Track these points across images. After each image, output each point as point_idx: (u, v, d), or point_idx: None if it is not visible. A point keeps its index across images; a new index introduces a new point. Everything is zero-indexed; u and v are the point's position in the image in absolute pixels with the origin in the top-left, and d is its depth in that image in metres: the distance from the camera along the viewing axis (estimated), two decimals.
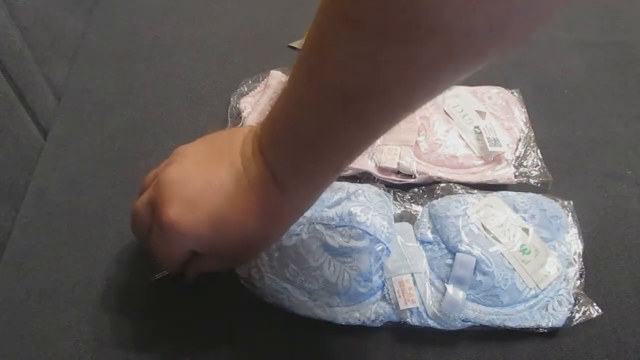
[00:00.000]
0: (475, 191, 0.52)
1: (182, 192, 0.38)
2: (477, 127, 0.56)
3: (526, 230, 0.48)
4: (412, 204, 0.52)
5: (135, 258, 0.50)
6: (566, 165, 0.56)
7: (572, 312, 0.45)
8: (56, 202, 0.54)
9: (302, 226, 0.48)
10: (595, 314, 0.45)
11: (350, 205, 0.48)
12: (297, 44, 0.67)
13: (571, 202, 0.52)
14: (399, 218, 0.51)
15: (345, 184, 0.51)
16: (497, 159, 0.54)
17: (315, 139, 0.34)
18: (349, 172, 0.54)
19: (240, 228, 0.38)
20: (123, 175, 0.55)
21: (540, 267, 0.46)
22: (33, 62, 0.58)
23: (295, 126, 0.34)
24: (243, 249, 0.41)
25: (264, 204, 0.37)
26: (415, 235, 0.49)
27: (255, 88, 0.62)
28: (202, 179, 0.38)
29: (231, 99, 0.61)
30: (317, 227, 0.47)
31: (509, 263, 0.46)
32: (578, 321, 0.45)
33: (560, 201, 0.51)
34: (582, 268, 0.48)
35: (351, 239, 0.46)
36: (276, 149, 0.36)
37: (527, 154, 0.56)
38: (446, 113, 0.57)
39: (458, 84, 0.60)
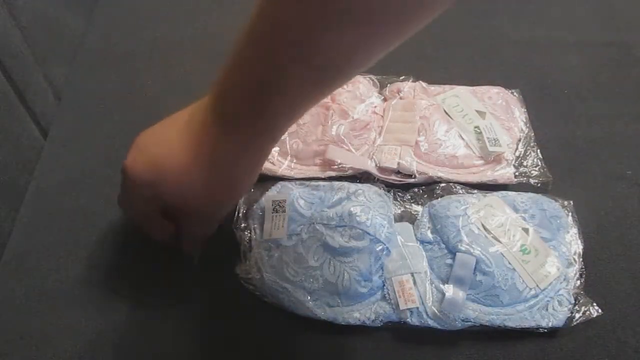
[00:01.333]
0: (475, 191, 0.52)
1: (138, 143, 0.42)
2: (477, 127, 0.56)
3: (526, 230, 0.48)
4: (412, 204, 0.52)
5: (136, 258, 0.50)
6: (566, 165, 0.57)
7: (572, 312, 0.45)
8: (56, 202, 0.54)
9: (302, 226, 0.48)
10: (595, 314, 0.45)
11: (350, 205, 0.48)
12: None
13: (571, 202, 0.52)
14: (399, 218, 0.51)
15: (345, 184, 0.51)
16: (497, 159, 0.54)
17: (262, 82, 0.35)
18: (349, 172, 0.54)
19: (181, 173, 0.39)
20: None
21: (540, 267, 0.46)
22: (33, 62, 0.58)
23: (244, 69, 0.35)
24: (198, 198, 0.41)
25: (206, 146, 0.39)
26: (415, 235, 0.49)
27: None
28: (159, 130, 0.42)
29: None
30: (317, 227, 0.47)
31: (509, 263, 0.46)
32: (578, 321, 0.45)
33: (560, 201, 0.51)
34: (582, 268, 0.48)
35: (351, 239, 0.46)
36: (225, 93, 0.37)
37: (527, 154, 0.56)
38: (446, 113, 0.57)
39: (458, 84, 0.60)
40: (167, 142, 0.40)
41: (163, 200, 0.41)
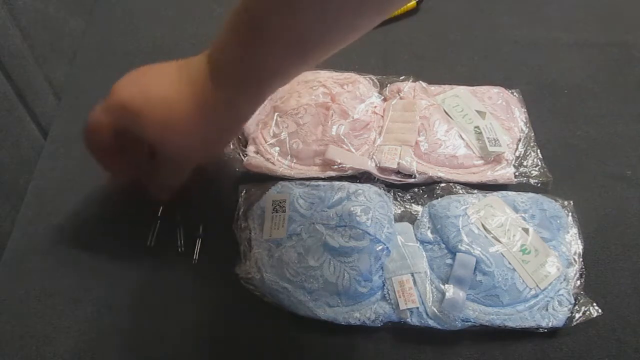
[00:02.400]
0: (475, 191, 0.52)
1: (131, 74, 0.44)
2: (477, 127, 0.56)
3: (526, 230, 0.48)
4: (412, 204, 0.52)
5: (136, 258, 0.50)
6: (566, 165, 0.57)
7: (572, 312, 0.45)
8: (56, 202, 0.54)
9: (302, 226, 0.48)
10: (595, 314, 0.45)
11: (350, 205, 0.48)
12: None
13: (571, 202, 0.52)
14: (399, 218, 0.51)
15: (345, 184, 0.51)
16: (497, 159, 0.54)
17: (245, 50, 0.38)
18: (349, 172, 0.54)
19: (168, 108, 0.41)
20: None
21: (540, 267, 0.46)
22: (33, 62, 0.58)
23: (232, 36, 0.39)
24: (179, 139, 0.43)
25: (195, 92, 0.41)
26: (415, 235, 0.49)
27: None
28: (150, 70, 0.44)
29: None
30: (317, 227, 0.47)
31: (509, 263, 0.46)
32: (578, 321, 0.45)
33: (560, 201, 0.51)
34: (582, 268, 0.48)
35: (351, 239, 0.46)
36: (219, 46, 0.40)
37: (527, 154, 0.56)
38: (446, 113, 0.57)
39: (458, 84, 0.60)
40: (159, 78, 0.43)
41: (140, 130, 0.42)
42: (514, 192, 0.52)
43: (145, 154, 0.46)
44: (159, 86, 0.42)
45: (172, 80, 0.42)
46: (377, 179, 0.53)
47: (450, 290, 0.45)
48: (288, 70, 0.41)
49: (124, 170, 0.48)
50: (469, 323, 0.45)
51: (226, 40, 0.40)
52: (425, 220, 0.50)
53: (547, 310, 0.45)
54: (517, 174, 0.54)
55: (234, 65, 0.40)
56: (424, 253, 0.48)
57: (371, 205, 0.48)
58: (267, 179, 0.53)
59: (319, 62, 0.40)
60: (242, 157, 0.54)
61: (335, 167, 0.53)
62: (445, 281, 0.46)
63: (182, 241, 0.50)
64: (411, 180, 0.53)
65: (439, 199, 0.51)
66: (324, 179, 0.53)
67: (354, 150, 0.54)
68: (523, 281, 0.45)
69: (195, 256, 0.50)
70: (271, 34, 0.37)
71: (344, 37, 0.38)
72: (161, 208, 0.52)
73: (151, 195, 0.49)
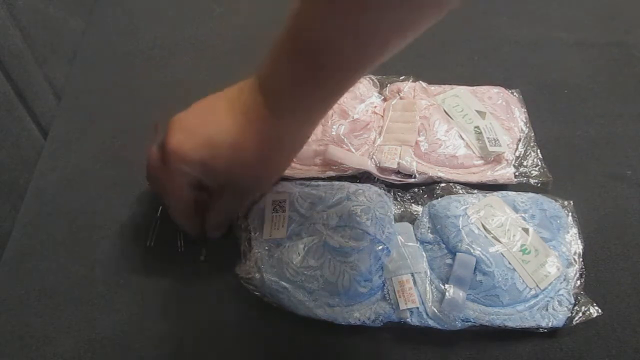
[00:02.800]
0: (475, 191, 0.52)
1: (183, 124, 0.42)
2: (477, 127, 0.56)
3: (526, 230, 0.48)
4: (412, 204, 0.52)
5: (136, 258, 0.50)
6: (566, 165, 0.57)
7: (572, 312, 0.45)
8: (56, 202, 0.54)
9: (302, 226, 0.48)
10: (595, 314, 0.45)
11: (351, 205, 0.48)
12: None
13: (571, 202, 0.52)
14: (399, 218, 0.51)
15: (345, 184, 0.51)
16: (497, 159, 0.54)
17: (310, 58, 0.37)
18: (349, 172, 0.54)
19: (233, 149, 0.41)
20: (123, 175, 0.55)
21: (540, 267, 0.46)
22: (33, 62, 0.58)
23: (282, 62, 0.39)
24: (247, 174, 0.43)
25: (256, 125, 0.41)
26: (415, 235, 0.49)
27: None
28: (201, 112, 0.43)
29: None
30: (317, 227, 0.47)
31: (509, 263, 0.46)
32: (578, 321, 0.45)
33: (560, 201, 0.51)
34: (582, 268, 0.48)
35: (351, 239, 0.46)
36: (271, 73, 0.40)
37: (527, 154, 0.56)
38: (446, 113, 0.57)
39: (458, 84, 0.60)
40: (216, 121, 0.42)
41: (212, 176, 0.43)
42: (514, 192, 0.52)
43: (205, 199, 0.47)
44: (220, 131, 0.41)
45: (230, 120, 0.41)
46: (377, 179, 0.53)
47: (450, 290, 0.45)
48: (345, 87, 0.41)
49: (192, 225, 0.48)
50: (469, 323, 0.45)
51: (279, 68, 0.39)
52: (425, 220, 0.50)
53: (547, 310, 0.45)
54: (517, 174, 0.54)
55: (292, 92, 0.40)
56: (424, 253, 0.48)
57: (371, 205, 0.48)
58: None
59: (367, 73, 0.41)
60: None
61: (335, 167, 0.53)
62: (445, 281, 0.46)
63: (182, 241, 0.50)
64: (411, 180, 0.53)
65: (439, 199, 0.51)
66: (324, 179, 0.53)
67: (354, 150, 0.54)
68: (523, 281, 0.45)
69: (203, 257, 0.50)
70: (331, 58, 0.37)
71: (399, 45, 0.39)
72: (160, 208, 0.52)
73: (211, 230, 0.49)
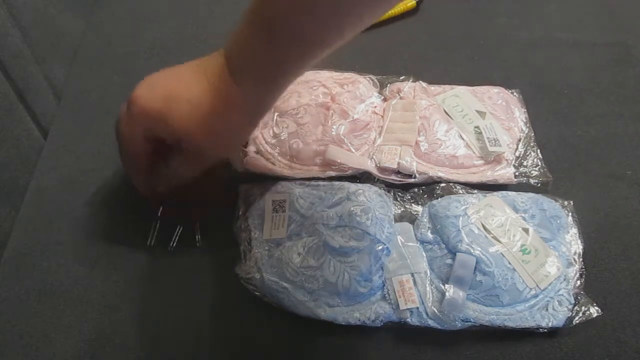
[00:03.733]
0: (475, 191, 0.52)
1: (149, 79, 0.45)
2: (477, 127, 0.56)
3: (526, 230, 0.48)
4: (412, 204, 0.52)
5: (136, 258, 0.50)
6: (566, 165, 0.57)
7: (572, 312, 0.45)
8: (56, 202, 0.54)
9: (302, 226, 0.48)
10: (595, 314, 0.45)
11: (351, 205, 0.48)
12: None
13: (571, 202, 0.52)
14: (399, 218, 0.51)
15: (345, 184, 0.51)
16: (497, 159, 0.54)
17: (273, 26, 0.39)
18: (349, 172, 0.54)
19: (191, 104, 0.43)
20: (123, 175, 0.55)
21: (540, 267, 0.46)
22: (33, 62, 0.58)
23: (247, 36, 0.41)
24: (203, 132, 0.44)
25: (217, 87, 0.43)
26: (415, 235, 0.49)
27: None
28: (169, 72, 0.45)
29: None
30: (317, 227, 0.47)
31: (509, 263, 0.46)
32: (578, 321, 0.45)
33: (560, 201, 0.51)
34: (582, 268, 0.48)
35: (351, 239, 0.46)
36: (236, 39, 0.42)
37: (527, 154, 0.56)
38: (446, 113, 0.57)
39: (458, 84, 0.60)
40: (178, 78, 0.44)
41: (166, 129, 0.43)
42: (514, 192, 0.52)
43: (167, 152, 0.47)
44: (180, 87, 0.43)
45: (192, 80, 0.43)
46: (377, 179, 0.53)
47: (450, 290, 0.45)
48: (303, 63, 0.42)
49: (150, 172, 0.49)
50: (469, 323, 0.45)
51: (242, 38, 0.41)
52: (425, 220, 0.50)
53: (547, 310, 0.45)
54: (517, 174, 0.54)
55: (251, 61, 0.42)
56: (424, 253, 0.48)
57: (371, 205, 0.48)
58: (267, 179, 0.53)
59: (330, 52, 0.41)
60: (242, 157, 0.54)
61: (335, 167, 0.53)
62: (445, 281, 0.46)
63: (176, 241, 0.50)
64: (411, 180, 0.53)
65: (439, 199, 0.51)
66: (324, 179, 0.53)
67: (354, 150, 0.54)
68: (523, 281, 0.45)
69: (198, 240, 0.51)
70: (285, 33, 0.39)
71: (356, 28, 0.40)
72: (161, 208, 0.52)
73: (162, 187, 0.49)
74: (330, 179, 0.53)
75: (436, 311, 0.45)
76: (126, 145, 0.46)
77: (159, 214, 0.51)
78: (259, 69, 0.42)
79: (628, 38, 0.69)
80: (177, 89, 0.43)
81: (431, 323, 0.45)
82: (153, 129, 0.44)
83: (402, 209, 0.52)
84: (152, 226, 0.51)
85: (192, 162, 0.47)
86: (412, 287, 0.46)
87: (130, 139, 0.45)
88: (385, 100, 0.59)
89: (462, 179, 0.53)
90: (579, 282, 0.47)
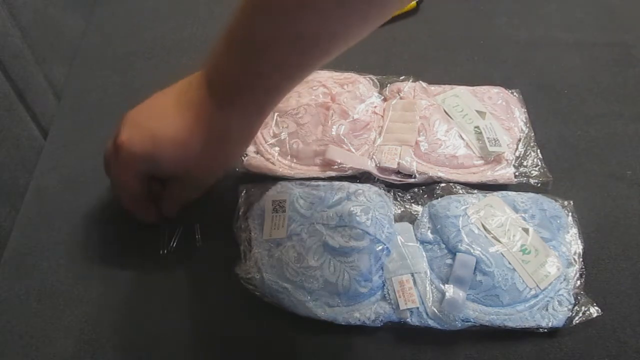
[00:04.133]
0: (476, 191, 0.52)
1: (132, 120, 0.44)
2: (477, 127, 0.56)
3: (526, 230, 0.48)
4: (412, 204, 0.52)
5: (136, 258, 0.50)
6: (566, 165, 0.57)
7: (572, 312, 0.45)
8: (56, 202, 0.54)
9: (302, 226, 0.48)
10: (595, 314, 0.45)
11: (350, 205, 0.48)
12: None
13: (571, 202, 0.52)
14: (399, 218, 0.51)
15: (345, 184, 0.51)
16: (497, 159, 0.54)
17: (255, 52, 0.38)
18: (349, 172, 0.54)
19: (176, 144, 0.42)
20: None
21: (540, 267, 0.46)
22: (33, 62, 0.58)
23: (232, 51, 0.39)
24: (193, 168, 0.44)
25: (200, 119, 0.42)
26: (415, 235, 0.49)
27: None
28: (150, 106, 0.44)
29: None
30: (317, 227, 0.47)
31: (509, 263, 0.46)
32: (578, 321, 0.45)
33: (560, 201, 0.51)
34: (582, 268, 0.48)
35: (351, 239, 0.46)
36: (218, 67, 0.41)
37: (527, 154, 0.56)
38: (446, 113, 0.57)
39: (458, 84, 0.60)
40: (163, 116, 0.43)
41: (159, 170, 0.44)
42: (514, 192, 0.52)
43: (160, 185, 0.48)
44: (166, 126, 0.42)
45: (177, 116, 0.42)
46: (377, 179, 0.53)
47: (450, 290, 0.45)
48: (290, 85, 0.41)
49: (145, 214, 0.49)
50: (469, 323, 0.45)
51: (221, 59, 0.40)
52: (425, 220, 0.50)
53: (547, 310, 0.45)
54: (517, 174, 0.54)
55: (233, 83, 0.40)
56: (424, 253, 0.48)
57: (371, 205, 0.48)
58: (267, 179, 0.53)
59: (316, 69, 0.40)
60: (242, 157, 0.54)
61: (335, 167, 0.53)
62: (445, 281, 0.46)
63: (175, 242, 0.50)
64: (411, 180, 0.53)
65: (439, 199, 0.51)
66: (324, 179, 0.53)
67: (354, 150, 0.54)
68: (523, 281, 0.45)
69: (198, 240, 0.51)
70: (268, 58, 0.38)
71: (341, 46, 0.38)
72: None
73: (168, 211, 0.50)
74: (330, 179, 0.53)
75: (436, 311, 0.45)
76: (121, 190, 0.46)
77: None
78: (244, 92, 0.41)
79: (628, 38, 0.69)
80: (163, 128, 0.42)
81: (431, 323, 0.45)
82: (145, 170, 0.44)
83: (402, 209, 0.52)
84: (165, 234, 0.51)
85: (193, 189, 0.48)
86: (412, 287, 0.46)
87: (123, 183, 0.45)
88: (385, 100, 0.59)
89: (462, 179, 0.53)
90: (579, 282, 0.47)
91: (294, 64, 0.39)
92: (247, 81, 0.40)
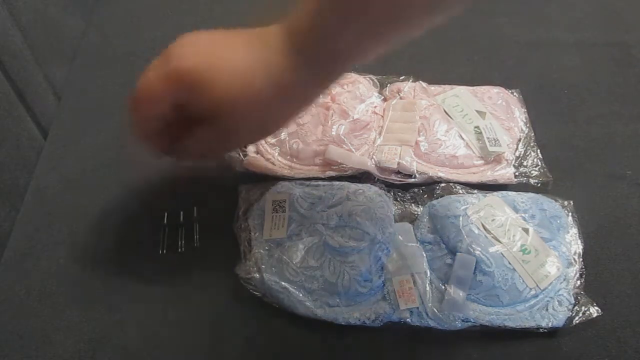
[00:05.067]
0: (475, 191, 0.52)
1: (189, 38, 0.40)
2: (477, 127, 0.56)
3: (526, 230, 0.48)
4: (412, 204, 0.52)
5: (136, 258, 0.50)
6: (566, 165, 0.57)
7: (572, 312, 0.45)
8: (56, 202, 0.54)
9: (302, 226, 0.48)
10: (595, 314, 0.45)
11: (350, 205, 0.48)
12: None
13: (571, 202, 0.52)
14: (399, 218, 0.51)
15: (345, 184, 0.51)
16: (497, 159, 0.54)
17: (327, 25, 0.36)
18: (349, 172, 0.54)
19: (237, 72, 0.38)
20: (123, 175, 0.55)
21: (540, 267, 0.46)
22: (33, 62, 0.58)
23: (313, 14, 0.37)
24: (242, 109, 0.39)
25: (272, 62, 0.38)
26: (415, 235, 0.49)
27: None
28: (218, 36, 0.40)
29: None
30: (317, 227, 0.47)
31: (509, 263, 0.46)
32: (578, 321, 0.45)
33: (560, 201, 0.51)
34: (582, 268, 0.48)
35: (351, 239, 0.46)
36: (299, 28, 0.38)
37: (527, 154, 0.56)
38: (446, 113, 0.57)
39: (458, 84, 0.60)
40: (231, 47, 0.39)
41: (207, 99, 0.38)
42: (514, 192, 0.52)
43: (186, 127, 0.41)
44: (230, 54, 0.38)
45: (245, 49, 0.39)
46: (377, 179, 0.53)
47: (450, 290, 0.45)
48: (371, 49, 0.39)
49: (164, 142, 0.43)
50: (469, 323, 0.45)
51: (310, 18, 0.37)
52: (425, 220, 0.50)
53: (547, 310, 0.45)
54: (517, 174, 0.54)
55: (320, 44, 0.38)
56: (424, 253, 0.48)
57: (371, 205, 0.48)
58: (267, 179, 0.53)
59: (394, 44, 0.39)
60: (242, 157, 0.54)
61: (335, 167, 0.53)
62: (445, 281, 0.46)
63: (183, 241, 0.50)
64: (411, 180, 0.53)
65: (439, 199, 0.51)
66: (324, 179, 0.53)
67: (354, 150, 0.54)
68: (523, 281, 0.45)
69: (196, 240, 0.50)
70: (360, 12, 0.36)
71: (421, 16, 0.38)
72: (166, 214, 0.51)
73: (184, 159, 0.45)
74: (330, 179, 0.53)
75: (436, 311, 0.45)
76: (145, 107, 0.40)
77: (165, 221, 0.51)
78: (326, 51, 0.38)
79: (628, 38, 0.69)
80: (225, 54, 0.38)
81: (431, 323, 0.45)
82: (188, 95, 0.38)
83: (402, 209, 0.52)
84: (161, 233, 0.51)
85: (223, 141, 0.42)
86: (412, 287, 0.46)
87: (155, 99, 0.40)
88: (385, 100, 0.59)
89: (462, 179, 0.53)
90: (579, 282, 0.47)
91: (382, 25, 0.37)
92: (332, 42, 0.37)
